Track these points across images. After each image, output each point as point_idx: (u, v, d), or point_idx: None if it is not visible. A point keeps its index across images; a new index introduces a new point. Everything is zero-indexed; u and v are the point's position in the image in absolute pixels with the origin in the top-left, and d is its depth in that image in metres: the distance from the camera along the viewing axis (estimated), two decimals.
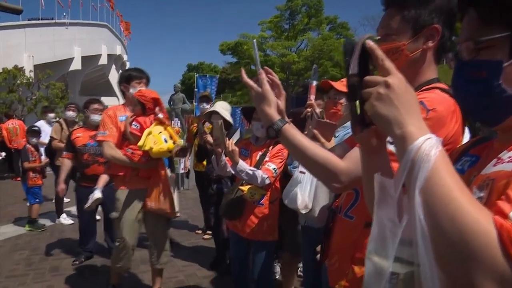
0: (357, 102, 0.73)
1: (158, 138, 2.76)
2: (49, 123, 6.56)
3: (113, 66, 41.25)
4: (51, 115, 6.77)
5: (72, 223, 5.45)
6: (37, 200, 5.28)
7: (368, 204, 0.89)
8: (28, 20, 27.73)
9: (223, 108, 3.66)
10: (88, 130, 4.01)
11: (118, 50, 41.65)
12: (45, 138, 5.89)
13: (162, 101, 2.95)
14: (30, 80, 18.59)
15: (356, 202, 1.28)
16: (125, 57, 44.62)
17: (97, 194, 3.02)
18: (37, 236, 5.03)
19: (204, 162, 4.33)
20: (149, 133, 2.78)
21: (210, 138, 3.86)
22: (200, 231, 5.05)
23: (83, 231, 4.17)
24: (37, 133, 5.47)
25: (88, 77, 36.54)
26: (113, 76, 41.02)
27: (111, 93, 37.04)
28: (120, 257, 2.95)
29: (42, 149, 5.76)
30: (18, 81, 17.86)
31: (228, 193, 2.65)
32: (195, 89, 12.10)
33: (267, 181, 2.43)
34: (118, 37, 42.09)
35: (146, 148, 2.73)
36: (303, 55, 18.65)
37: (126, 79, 2.95)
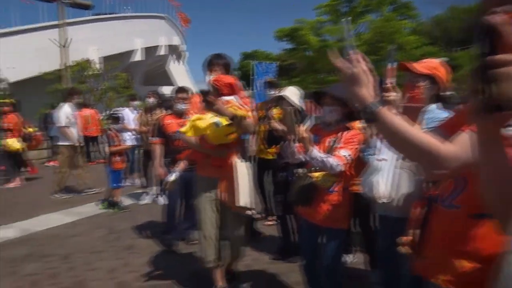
0: (485, 85, 0.67)
1: (208, 122, 2.75)
2: (135, 109, 7.01)
3: (172, 57, 42.57)
4: (135, 102, 7.22)
5: (145, 204, 5.91)
6: (119, 183, 5.68)
7: (489, 194, 0.82)
8: (93, 15, 29.30)
9: (293, 93, 3.61)
10: (176, 118, 4.14)
11: (177, 40, 42.85)
12: (130, 125, 6.43)
13: (239, 86, 2.88)
14: (98, 71, 19.80)
15: (462, 190, 1.20)
16: (183, 48, 45.83)
17: (172, 176, 3.13)
18: (112, 217, 5.43)
19: (271, 149, 4.34)
20: (198, 119, 2.79)
21: (277, 125, 3.86)
22: (260, 216, 5.09)
23: (170, 214, 4.29)
24: (117, 119, 5.85)
25: (148, 68, 38.09)
26: (172, 66, 42.46)
27: (170, 83, 38.41)
28: (200, 247, 2.98)
29: (126, 134, 6.24)
30: (88, 73, 19.11)
31: (299, 179, 2.63)
32: (252, 76, 12.16)
33: (339, 168, 2.37)
34: (177, 27, 43.25)
35: (189, 134, 2.76)
36: (363, 39, 17.91)
37: (206, 65, 2.96)
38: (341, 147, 2.42)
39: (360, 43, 16.68)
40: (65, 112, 6.55)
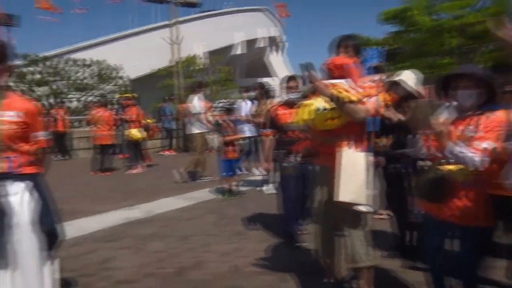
0: None
1: (311, 107, 2.60)
2: (250, 100, 7.32)
3: (271, 48, 43.22)
4: (248, 94, 7.57)
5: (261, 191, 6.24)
6: (230, 172, 5.94)
7: None
8: (197, 12, 31.06)
9: (410, 77, 3.31)
10: (288, 108, 3.92)
11: (275, 32, 43.32)
12: (244, 115, 6.90)
13: (357, 69, 2.62)
14: (204, 66, 21.08)
15: None
16: (283, 38, 46.19)
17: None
18: (224, 203, 5.76)
19: (380, 140, 4.07)
20: (306, 105, 2.68)
21: (390, 113, 3.59)
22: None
23: (285, 205, 4.10)
24: (229, 110, 6.14)
25: (249, 60, 39.28)
26: (271, 58, 43.12)
27: (268, 74, 39.12)
28: (313, 239, 2.88)
29: (245, 125, 6.57)
30: (194, 68, 20.48)
31: (425, 172, 2.38)
32: None
33: (479, 164, 2.06)
34: (276, 19, 43.68)
35: (298, 121, 2.68)
36: (486, 13, 15.60)
37: (334, 47, 2.77)
38: (480, 137, 2.10)
39: (484, 18, 14.69)
40: (197, 102, 7.22)
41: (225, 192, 6.01)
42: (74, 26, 62.04)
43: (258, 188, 6.52)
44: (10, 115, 2.12)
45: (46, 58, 17.16)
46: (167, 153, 12.52)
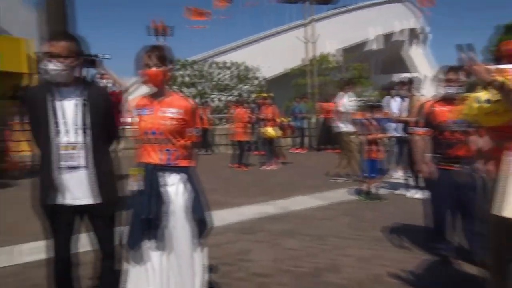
0: None
1: (474, 100, 2.23)
2: (401, 97, 6.94)
3: (411, 41, 40.18)
4: (396, 90, 7.21)
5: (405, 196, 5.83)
6: (372, 174, 5.65)
7: None
8: (333, 9, 30.75)
9: None
10: (447, 104, 3.43)
11: (415, 23, 40.07)
12: (393, 113, 6.43)
13: None
14: (337, 64, 20.77)
15: None
16: (426, 30, 42.51)
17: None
18: (361, 205, 5.51)
19: None
20: (469, 99, 2.32)
21: None
22: None
23: (435, 220, 3.57)
24: (373, 108, 5.86)
25: (385, 55, 37.23)
26: (411, 51, 40.01)
27: (406, 69, 36.41)
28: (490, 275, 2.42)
29: (394, 124, 6.24)
30: (326, 66, 20.34)
31: None
32: None
33: None
34: (416, 9, 40.29)
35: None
36: None
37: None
38: None
39: None
40: (346, 100, 7.14)
41: (363, 194, 5.74)
42: (217, 30, 68.23)
43: (397, 192, 6.07)
44: (172, 112, 2.34)
45: (194, 62, 19.24)
46: (298, 151, 12.70)
